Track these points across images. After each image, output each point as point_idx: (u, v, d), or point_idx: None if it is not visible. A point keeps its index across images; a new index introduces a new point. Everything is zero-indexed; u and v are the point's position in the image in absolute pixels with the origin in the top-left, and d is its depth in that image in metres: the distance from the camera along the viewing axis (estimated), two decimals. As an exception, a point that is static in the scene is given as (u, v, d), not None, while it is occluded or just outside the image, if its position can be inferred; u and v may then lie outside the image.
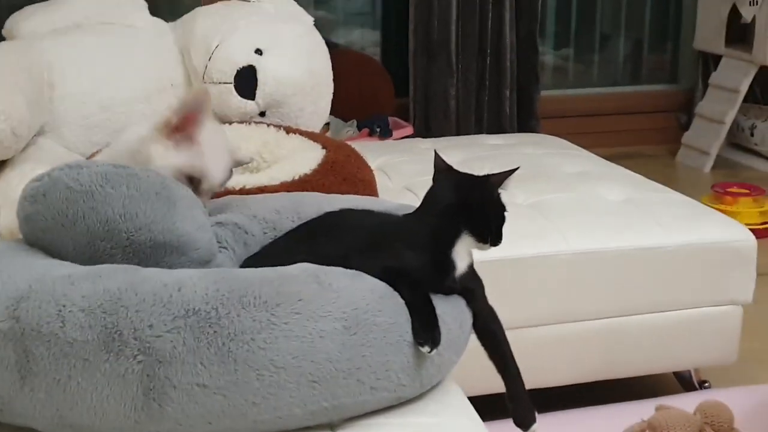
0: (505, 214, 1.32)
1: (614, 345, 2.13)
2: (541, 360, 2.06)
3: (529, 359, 2.00)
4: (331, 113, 3.27)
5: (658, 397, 2.04)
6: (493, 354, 1.38)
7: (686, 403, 1.92)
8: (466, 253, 1.31)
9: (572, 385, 2.15)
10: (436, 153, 1.35)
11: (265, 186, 1.76)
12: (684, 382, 2.36)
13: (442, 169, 1.34)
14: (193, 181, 1.44)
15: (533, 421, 1.36)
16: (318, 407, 1.17)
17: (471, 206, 1.30)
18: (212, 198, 1.53)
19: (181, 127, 1.40)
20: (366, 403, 1.21)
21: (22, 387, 1.11)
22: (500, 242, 1.33)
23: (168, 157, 1.39)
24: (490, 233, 1.31)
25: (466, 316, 1.35)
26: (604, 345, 2.12)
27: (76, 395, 1.11)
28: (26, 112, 1.75)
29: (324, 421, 1.20)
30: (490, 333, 1.39)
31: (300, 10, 2.38)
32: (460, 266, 1.31)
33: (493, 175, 1.30)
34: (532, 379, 2.00)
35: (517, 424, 1.36)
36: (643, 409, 1.93)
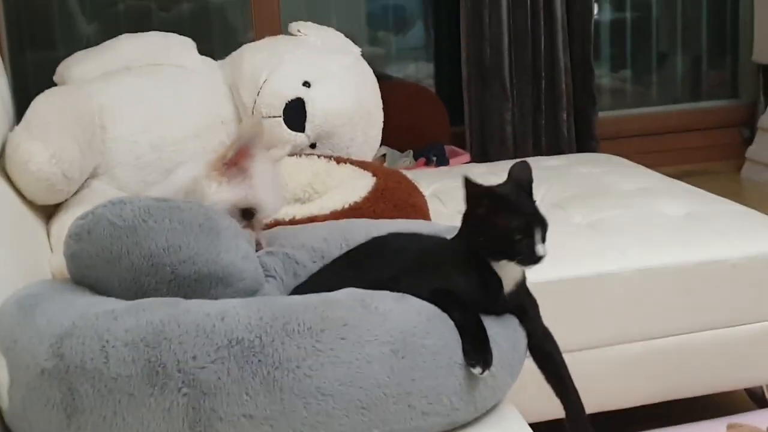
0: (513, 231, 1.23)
1: (681, 363, 2.05)
2: (604, 382, 2.00)
3: (592, 382, 1.97)
4: (386, 144, 3.27)
5: (730, 416, 1.96)
6: (550, 376, 1.34)
7: (759, 420, 1.84)
8: (512, 270, 1.27)
9: (638, 407, 2.09)
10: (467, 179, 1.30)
11: (315, 215, 1.76)
12: (756, 398, 2.27)
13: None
14: (248, 214, 1.44)
15: None
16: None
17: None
18: (263, 229, 1.54)
19: (235, 161, 1.41)
20: (418, 429, 1.18)
21: (68, 426, 1.11)
22: (531, 261, 1.24)
23: (221, 193, 1.41)
24: (498, 250, 1.25)
25: (519, 335, 1.32)
26: (670, 364, 2.05)
27: (123, 431, 1.10)
28: (78, 155, 1.77)
29: (376, 448, 1.18)
30: (545, 354, 1.35)
31: (347, 41, 2.38)
32: (508, 284, 1.27)
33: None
34: (595, 403, 1.94)
35: None
36: (714, 429, 1.86)
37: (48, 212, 1.85)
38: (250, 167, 1.43)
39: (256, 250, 1.45)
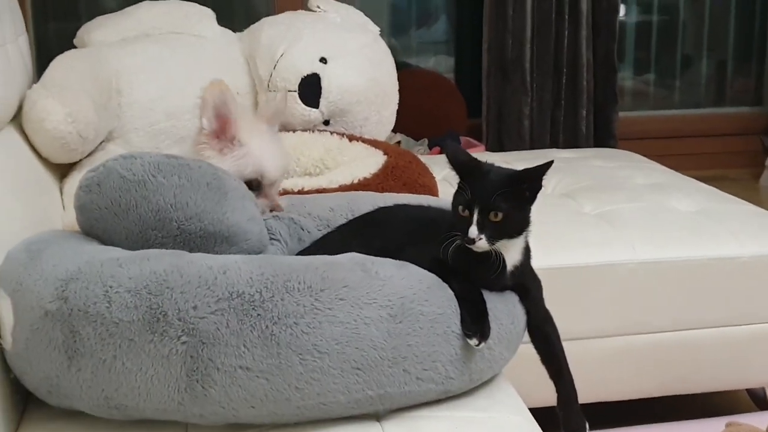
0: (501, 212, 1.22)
1: (683, 359, 2.05)
2: (604, 372, 2.00)
3: (593, 371, 1.98)
4: (402, 131, 3.28)
5: (730, 416, 1.96)
6: (546, 358, 1.34)
7: (760, 421, 1.83)
8: (513, 247, 1.28)
9: (637, 400, 2.08)
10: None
11: (324, 188, 1.77)
12: (757, 399, 2.26)
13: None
14: (253, 185, 1.45)
15: (584, 429, 1.32)
16: (362, 395, 1.16)
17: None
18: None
19: (220, 130, 1.40)
20: (412, 393, 1.20)
21: (69, 367, 1.13)
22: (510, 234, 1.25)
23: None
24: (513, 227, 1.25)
25: (519, 312, 1.33)
26: (672, 359, 2.05)
27: (122, 376, 1.12)
28: (94, 116, 1.79)
29: (369, 411, 1.19)
30: (543, 335, 1.35)
31: (366, 20, 2.39)
32: (510, 260, 1.28)
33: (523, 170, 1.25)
34: (594, 393, 1.96)
35: (567, 431, 1.32)
36: (713, 427, 1.86)
37: (62, 171, 1.87)
38: (240, 135, 1.41)
39: (278, 211, 1.45)
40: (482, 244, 1.21)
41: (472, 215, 1.21)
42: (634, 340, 2.03)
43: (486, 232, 1.21)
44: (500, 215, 1.21)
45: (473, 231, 1.21)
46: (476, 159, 1.29)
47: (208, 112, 1.40)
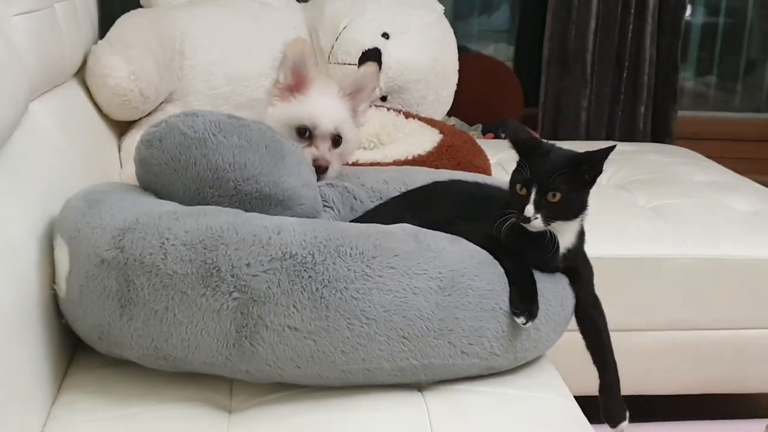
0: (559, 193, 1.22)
1: (729, 358, 2.03)
2: (649, 366, 1.99)
3: (637, 363, 1.96)
4: (457, 116, 3.26)
5: (771, 418, 1.95)
6: (591, 344, 1.34)
7: (805, 424, 1.82)
8: (567, 230, 1.27)
9: (680, 396, 2.07)
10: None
11: (378, 162, 1.77)
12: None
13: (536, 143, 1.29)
14: (303, 132, 1.46)
15: (623, 418, 1.31)
16: (407, 364, 1.16)
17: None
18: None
19: (292, 83, 1.44)
20: (456, 366, 1.20)
21: (121, 315, 1.15)
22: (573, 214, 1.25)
23: (275, 115, 1.43)
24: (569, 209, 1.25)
25: (568, 294, 1.32)
26: (718, 357, 2.03)
27: (172, 327, 1.13)
28: (156, 76, 1.81)
29: (412, 380, 1.20)
30: (591, 321, 1.35)
31: (432, -3, 2.38)
32: (564, 243, 1.27)
33: (587, 152, 1.25)
34: (637, 385, 1.95)
35: (607, 419, 1.31)
36: (753, 428, 1.85)
37: (122, 129, 1.90)
38: (307, 87, 1.44)
39: (323, 168, 1.45)
40: (537, 224, 1.21)
41: (529, 194, 1.21)
42: (681, 336, 2.02)
43: (542, 211, 1.20)
44: (558, 196, 1.21)
45: (530, 210, 1.20)
46: (537, 138, 1.29)
47: (285, 68, 1.43)
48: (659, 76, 3.92)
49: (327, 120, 1.47)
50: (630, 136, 3.88)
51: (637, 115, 3.88)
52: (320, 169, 1.46)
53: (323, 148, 1.47)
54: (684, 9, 3.86)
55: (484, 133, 3.50)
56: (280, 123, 1.44)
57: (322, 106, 1.46)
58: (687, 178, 2.43)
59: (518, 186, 1.23)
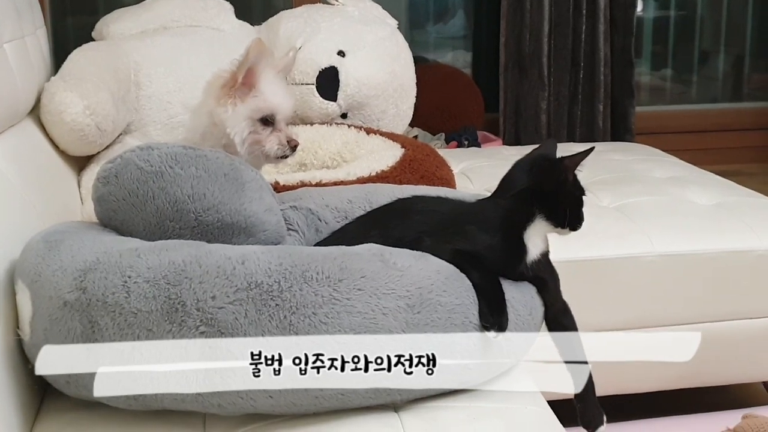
0: (583, 197, 1.29)
1: (700, 352, 2.01)
2: (622, 365, 1.98)
3: (611, 364, 1.95)
4: (419, 126, 3.27)
5: (746, 408, 1.95)
6: (563, 350, 1.34)
7: (776, 413, 1.83)
8: (539, 238, 1.28)
9: (655, 393, 2.08)
10: None
11: (342, 180, 1.77)
12: (773, 392, 2.25)
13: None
14: (268, 121, 1.49)
15: (601, 423, 1.32)
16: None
17: (544, 189, 1.27)
18: (286, 190, 1.55)
19: (243, 81, 1.46)
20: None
21: (87, 358, 1.13)
22: (580, 226, 1.30)
23: (236, 112, 1.45)
24: (565, 216, 1.28)
25: (536, 303, 1.32)
26: (691, 351, 2.04)
27: (140, 366, 1.12)
28: (112, 108, 1.80)
29: (387, 401, 1.19)
30: (561, 328, 1.35)
31: (384, 13, 2.39)
32: (533, 252, 1.28)
33: (567, 156, 1.28)
34: (612, 385, 1.94)
35: (584, 425, 1.32)
36: (729, 420, 1.86)
37: (80, 164, 1.88)
38: (256, 82, 1.48)
39: (292, 147, 1.51)
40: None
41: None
42: (653, 333, 2.02)
43: None
44: None
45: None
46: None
47: (244, 68, 1.45)
48: (615, 74, 3.96)
49: (286, 105, 1.52)
50: (590, 135, 3.91)
51: (596, 114, 3.92)
52: (294, 147, 1.52)
53: (286, 129, 1.52)
54: (634, 6, 3.91)
55: (447, 141, 3.51)
56: (244, 118, 1.47)
57: (280, 94, 1.51)
58: (648, 175, 2.45)
59: None
